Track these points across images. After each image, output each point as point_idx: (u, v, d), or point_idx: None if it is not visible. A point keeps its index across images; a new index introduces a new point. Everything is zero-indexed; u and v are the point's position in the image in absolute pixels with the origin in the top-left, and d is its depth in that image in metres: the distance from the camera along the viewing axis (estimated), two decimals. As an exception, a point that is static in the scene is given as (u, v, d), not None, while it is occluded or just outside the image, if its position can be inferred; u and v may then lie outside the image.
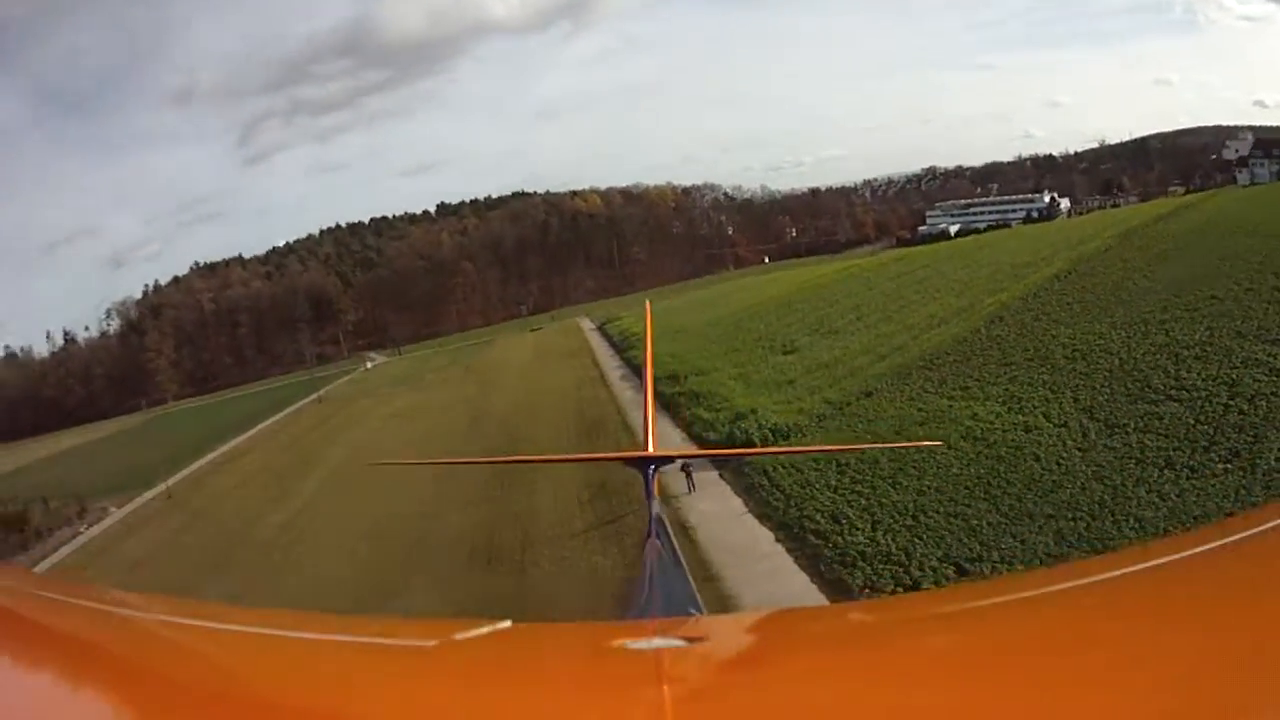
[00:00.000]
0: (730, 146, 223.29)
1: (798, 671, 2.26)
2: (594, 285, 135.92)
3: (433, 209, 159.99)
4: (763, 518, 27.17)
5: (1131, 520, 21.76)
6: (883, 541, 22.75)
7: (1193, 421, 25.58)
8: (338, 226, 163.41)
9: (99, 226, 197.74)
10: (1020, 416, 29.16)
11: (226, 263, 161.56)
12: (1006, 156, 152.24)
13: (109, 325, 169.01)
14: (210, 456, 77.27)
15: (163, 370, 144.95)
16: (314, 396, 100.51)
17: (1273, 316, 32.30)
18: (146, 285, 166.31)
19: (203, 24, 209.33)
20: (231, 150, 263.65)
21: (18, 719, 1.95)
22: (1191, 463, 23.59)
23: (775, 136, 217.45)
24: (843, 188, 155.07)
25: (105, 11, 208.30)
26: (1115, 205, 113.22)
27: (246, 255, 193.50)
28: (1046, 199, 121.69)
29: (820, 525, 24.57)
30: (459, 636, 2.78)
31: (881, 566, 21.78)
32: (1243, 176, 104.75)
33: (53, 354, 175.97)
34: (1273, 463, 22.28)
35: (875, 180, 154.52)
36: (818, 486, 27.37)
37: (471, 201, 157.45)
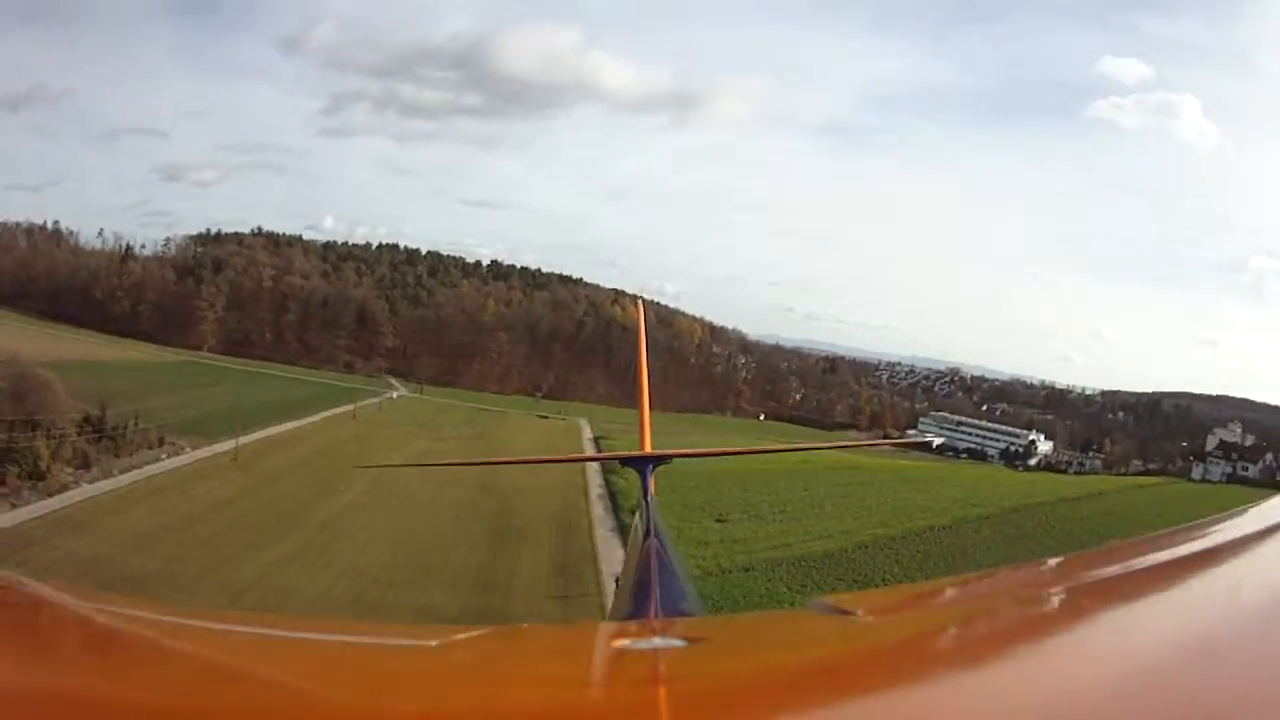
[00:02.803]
0: (780, 280, 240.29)
1: (798, 671, 2.34)
2: (604, 391, 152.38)
3: (486, 261, 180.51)
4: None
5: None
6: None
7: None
8: (395, 247, 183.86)
9: (169, 132, 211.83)
10: None
11: (289, 241, 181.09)
12: (1038, 371, 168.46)
13: (166, 250, 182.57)
14: (267, 431, 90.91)
15: (208, 322, 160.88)
16: (350, 409, 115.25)
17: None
18: (209, 229, 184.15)
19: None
20: (315, 116, 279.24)
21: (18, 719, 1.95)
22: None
23: (826, 284, 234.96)
24: (864, 362, 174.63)
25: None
26: (1080, 465, 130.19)
27: (294, 220, 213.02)
28: (1029, 439, 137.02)
29: None
30: (459, 637, 2.95)
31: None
32: (1197, 471, 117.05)
33: (104, 255, 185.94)
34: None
35: (899, 365, 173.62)
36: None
37: (522, 269, 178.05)
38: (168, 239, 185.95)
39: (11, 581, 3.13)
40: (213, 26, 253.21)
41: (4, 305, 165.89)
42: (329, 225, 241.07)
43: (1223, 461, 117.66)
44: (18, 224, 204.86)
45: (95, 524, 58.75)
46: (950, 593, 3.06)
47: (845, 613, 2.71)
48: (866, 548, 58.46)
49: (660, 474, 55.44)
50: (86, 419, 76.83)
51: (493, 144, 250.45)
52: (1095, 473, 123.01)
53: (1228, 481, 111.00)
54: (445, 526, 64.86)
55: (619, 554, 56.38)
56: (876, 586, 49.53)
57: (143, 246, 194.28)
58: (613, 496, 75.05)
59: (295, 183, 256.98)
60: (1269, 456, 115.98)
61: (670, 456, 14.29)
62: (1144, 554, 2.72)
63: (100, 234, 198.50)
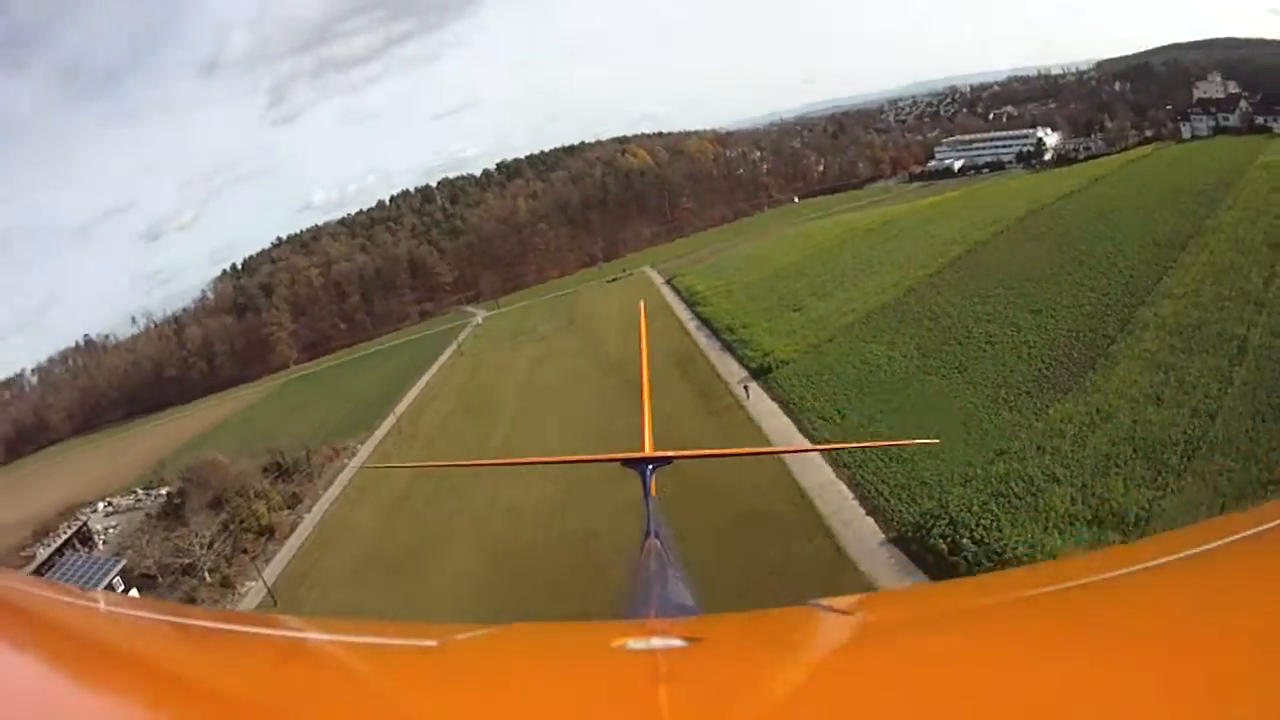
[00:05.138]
0: (758, 63, 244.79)
1: (798, 671, 2.44)
2: (650, 234, 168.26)
3: (492, 168, 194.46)
4: (785, 410, 58.52)
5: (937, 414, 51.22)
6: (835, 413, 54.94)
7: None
8: (409, 193, 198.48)
9: (131, 202, 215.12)
10: (896, 352, 60.16)
11: (313, 235, 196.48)
12: (1031, 60, 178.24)
13: (203, 302, 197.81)
14: (405, 402, 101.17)
15: (282, 340, 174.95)
16: (454, 349, 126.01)
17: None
18: (234, 264, 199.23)
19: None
20: (262, 112, 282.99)
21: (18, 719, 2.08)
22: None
23: (804, 42, 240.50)
24: (867, 110, 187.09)
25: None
26: (1086, 150, 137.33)
27: (286, 211, 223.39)
28: (1036, 137, 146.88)
29: (811, 408, 56.40)
30: (459, 637, 3.03)
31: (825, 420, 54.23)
32: (1186, 130, 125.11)
33: (144, 334, 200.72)
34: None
35: (900, 100, 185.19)
36: (810, 399, 58.49)
37: (529, 158, 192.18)
38: (202, 291, 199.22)
39: (11, 580, 3.41)
40: (125, 84, 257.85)
41: (92, 430, 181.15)
42: (318, 200, 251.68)
43: (1204, 117, 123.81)
44: (47, 361, 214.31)
45: (341, 534, 67.86)
46: (948, 594, 3.15)
47: (844, 613, 2.94)
48: (914, 290, 72.68)
49: (737, 294, 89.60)
50: (267, 467, 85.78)
51: (437, 56, 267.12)
52: (1100, 154, 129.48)
53: (1213, 135, 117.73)
54: (600, 397, 76.34)
55: (732, 365, 72.62)
56: (929, 321, 64.10)
57: (183, 309, 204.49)
58: (706, 322, 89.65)
59: (272, 179, 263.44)
60: (1243, 104, 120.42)
61: (671, 458, 14.60)
62: (1144, 556, 2.67)
63: (134, 322, 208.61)
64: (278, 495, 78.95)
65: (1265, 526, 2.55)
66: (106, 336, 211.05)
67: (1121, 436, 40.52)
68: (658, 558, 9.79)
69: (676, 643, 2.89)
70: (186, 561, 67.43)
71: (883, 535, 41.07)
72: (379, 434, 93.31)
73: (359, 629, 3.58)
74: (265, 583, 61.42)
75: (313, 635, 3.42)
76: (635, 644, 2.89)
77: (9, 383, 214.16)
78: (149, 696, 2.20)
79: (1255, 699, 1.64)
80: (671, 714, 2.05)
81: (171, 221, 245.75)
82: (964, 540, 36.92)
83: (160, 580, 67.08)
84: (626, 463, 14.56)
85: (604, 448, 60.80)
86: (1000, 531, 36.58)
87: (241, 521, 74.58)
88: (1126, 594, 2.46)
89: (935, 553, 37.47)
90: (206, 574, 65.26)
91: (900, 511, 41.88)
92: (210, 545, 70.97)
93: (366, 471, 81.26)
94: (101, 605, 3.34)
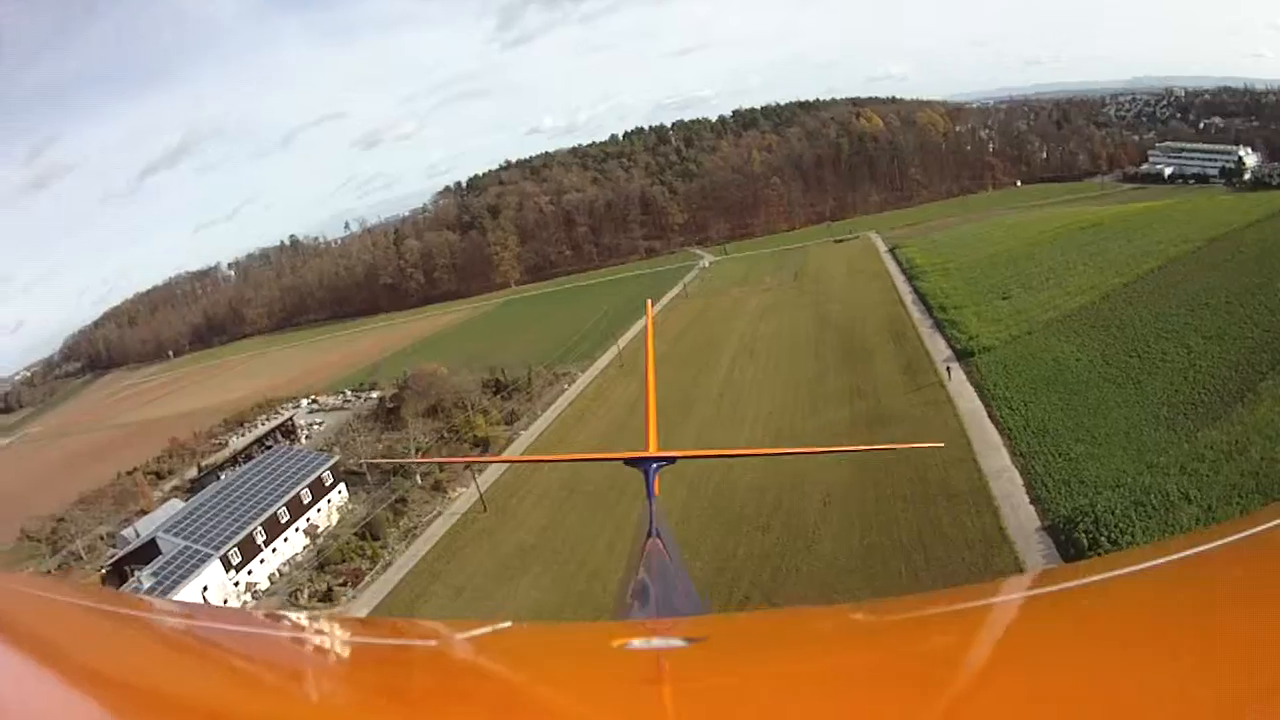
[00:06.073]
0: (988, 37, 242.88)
1: (798, 671, 2.43)
2: (879, 199, 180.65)
3: (729, 114, 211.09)
4: (979, 395, 67.16)
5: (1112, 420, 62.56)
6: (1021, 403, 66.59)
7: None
8: (643, 130, 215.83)
9: (343, 111, 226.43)
10: (1084, 355, 68.18)
11: (545, 163, 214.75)
12: (1233, 74, 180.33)
13: (424, 214, 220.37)
14: (627, 336, 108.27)
15: (505, 260, 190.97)
16: (680, 290, 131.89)
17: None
18: (457, 182, 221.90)
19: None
20: (492, 34, 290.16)
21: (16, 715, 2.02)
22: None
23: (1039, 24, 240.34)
24: (1089, 100, 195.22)
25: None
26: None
27: (511, 132, 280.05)
28: (1238, 156, 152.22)
29: (1002, 396, 65.84)
30: (459, 637, 3.05)
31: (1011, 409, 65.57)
32: None
33: (357, 239, 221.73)
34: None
35: (1121, 96, 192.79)
36: (1002, 387, 68.41)
37: (764, 109, 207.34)
38: (424, 204, 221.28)
39: (11, 579, 3.18)
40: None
41: (288, 327, 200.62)
42: (547, 125, 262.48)
43: None
44: (249, 255, 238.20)
45: (568, 439, 75.28)
46: (948, 597, 2.95)
47: (845, 614, 2.99)
48: (1108, 297, 79.92)
49: (954, 273, 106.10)
50: (486, 383, 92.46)
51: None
52: None
53: None
54: (816, 355, 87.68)
55: (940, 343, 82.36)
56: (1116, 330, 70.99)
57: (363, 222, 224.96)
58: (922, 297, 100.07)
59: (498, 101, 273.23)
60: None
61: (675, 457, 13.64)
62: (1141, 559, 2.63)
63: (347, 227, 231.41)
64: (497, 411, 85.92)
65: (1265, 527, 2.59)
66: (315, 239, 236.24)
67: (1249, 470, 42.34)
68: (659, 558, 9.49)
69: (678, 643, 2.95)
70: (398, 462, 73.27)
71: (1039, 522, 46.75)
72: (599, 364, 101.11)
73: (359, 629, 3.77)
74: (479, 488, 66.35)
75: (313, 635, 3.39)
76: (637, 644, 2.97)
77: (204, 274, 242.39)
78: (149, 696, 2.22)
79: (1252, 702, 1.67)
80: (674, 714, 2.13)
81: (391, 131, 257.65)
82: (1101, 539, 41.54)
83: (369, 478, 73.66)
84: (629, 462, 13.67)
85: (815, 407, 72.26)
86: (1133, 537, 40.52)
87: (458, 432, 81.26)
88: (1124, 597, 2.53)
89: (1076, 545, 42.13)
90: (419, 477, 70.40)
91: (1058, 503, 47.52)
92: (424, 451, 77.19)
93: (587, 396, 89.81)
94: (101, 605, 3.44)
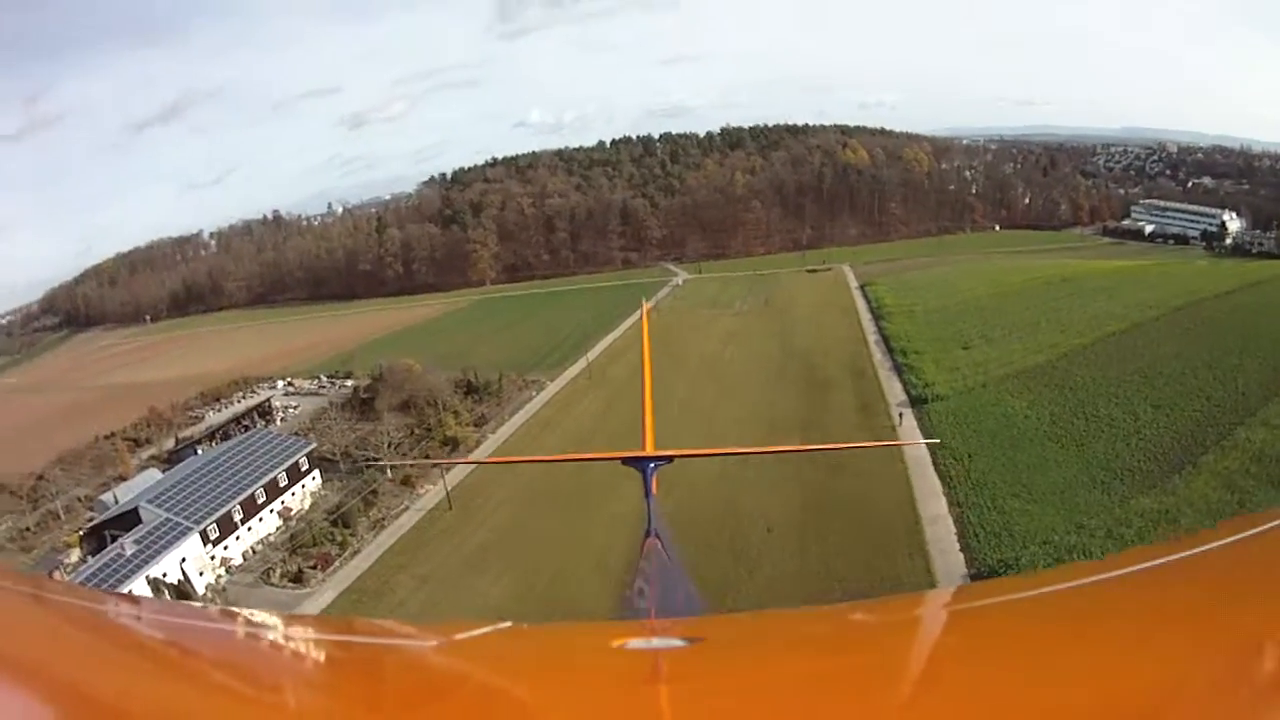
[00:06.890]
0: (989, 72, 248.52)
1: (797, 671, 2.45)
2: (856, 233, 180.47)
3: (716, 131, 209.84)
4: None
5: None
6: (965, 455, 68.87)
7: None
8: (630, 140, 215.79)
9: (336, 87, 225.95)
10: (1033, 412, 69.21)
11: (530, 163, 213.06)
12: (1234, 131, 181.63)
13: (407, 203, 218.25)
14: (599, 347, 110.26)
15: (484, 259, 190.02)
16: (650, 305, 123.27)
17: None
18: (442, 173, 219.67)
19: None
20: (491, 24, 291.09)
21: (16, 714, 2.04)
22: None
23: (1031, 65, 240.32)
24: (1079, 148, 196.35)
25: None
26: (1260, 246, 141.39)
27: (496, 124, 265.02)
28: (1220, 220, 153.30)
29: (947, 445, 65.87)
30: (459, 636, 3.06)
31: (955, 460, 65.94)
32: None
33: (339, 221, 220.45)
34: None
35: (1113, 146, 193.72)
36: (949, 436, 70.05)
37: (751, 130, 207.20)
38: (409, 194, 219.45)
39: (10, 578, 3.31)
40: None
41: (265, 304, 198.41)
42: (534, 120, 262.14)
43: None
44: (231, 225, 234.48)
45: (535, 446, 76.17)
46: (946, 598, 3.12)
47: (840, 614, 3.04)
48: (1066, 356, 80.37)
49: (918, 318, 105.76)
50: (458, 383, 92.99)
51: (674, 2, 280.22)
52: (1272, 254, 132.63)
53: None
54: (779, 385, 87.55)
55: (896, 387, 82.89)
56: (1069, 391, 71.49)
57: (345, 202, 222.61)
58: (885, 339, 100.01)
59: (485, 93, 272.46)
60: None
61: (672, 457, 13.84)
62: (1143, 558, 2.65)
63: (329, 207, 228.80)
64: (468, 412, 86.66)
65: (1265, 527, 2.64)
66: (299, 217, 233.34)
67: (1176, 541, 45.86)
68: (658, 557, 9.59)
69: (676, 643, 2.98)
70: (372, 456, 75.00)
71: (965, 569, 48.73)
72: (568, 374, 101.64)
73: (360, 629, 3.78)
74: (446, 486, 67.96)
75: (314, 635, 3.46)
76: (636, 644, 3.02)
77: (185, 240, 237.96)
78: (148, 696, 2.22)
79: (1254, 698, 1.70)
80: (672, 713, 2.15)
81: (380, 112, 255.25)
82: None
83: (342, 467, 75.53)
84: (627, 461, 13.93)
85: (771, 432, 71.83)
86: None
87: (429, 429, 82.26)
88: (1127, 595, 2.57)
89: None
90: (389, 470, 71.95)
91: (985, 553, 49.50)
92: (395, 446, 78.92)
93: (554, 405, 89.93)
94: (99, 605, 3.53)
